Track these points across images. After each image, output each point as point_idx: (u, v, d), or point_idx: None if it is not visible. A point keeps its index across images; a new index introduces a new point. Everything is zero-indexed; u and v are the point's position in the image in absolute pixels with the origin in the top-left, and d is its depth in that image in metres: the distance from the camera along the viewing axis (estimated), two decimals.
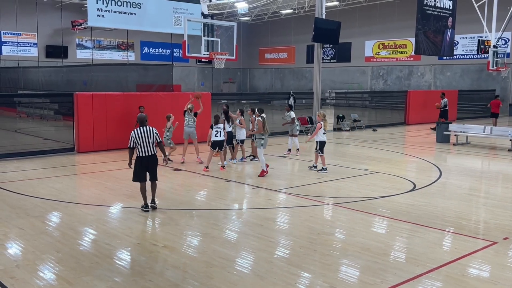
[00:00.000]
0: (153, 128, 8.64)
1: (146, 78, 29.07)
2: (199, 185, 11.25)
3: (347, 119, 23.58)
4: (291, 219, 8.52)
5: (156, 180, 8.84)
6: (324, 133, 12.51)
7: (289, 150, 15.16)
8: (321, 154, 12.51)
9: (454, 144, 18.11)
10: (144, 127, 8.54)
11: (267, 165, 12.07)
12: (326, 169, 12.47)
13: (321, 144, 12.52)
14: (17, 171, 12.35)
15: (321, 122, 12.46)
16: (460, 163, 14.69)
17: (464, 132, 18.55)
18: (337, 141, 19.37)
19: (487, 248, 6.93)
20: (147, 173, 8.67)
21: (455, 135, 18.49)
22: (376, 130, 23.17)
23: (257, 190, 10.52)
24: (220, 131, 12.46)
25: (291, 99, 22.99)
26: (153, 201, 8.76)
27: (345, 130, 22.70)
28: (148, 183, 8.75)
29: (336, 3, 38.82)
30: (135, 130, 8.55)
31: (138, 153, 8.58)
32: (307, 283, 5.80)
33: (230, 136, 13.26)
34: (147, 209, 8.60)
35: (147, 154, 8.52)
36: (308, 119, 21.64)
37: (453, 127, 18.83)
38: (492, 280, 5.89)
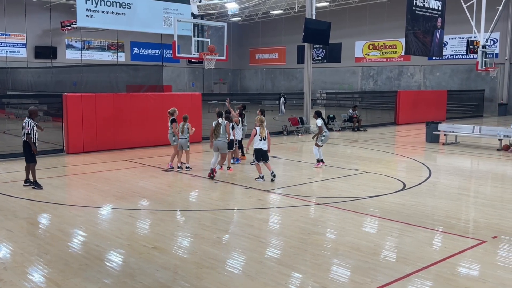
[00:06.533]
0: (27, 120, 10.23)
1: (136, 79, 28.94)
2: (189, 185, 11.21)
3: (338, 119, 23.64)
4: (282, 219, 8.52)
5: (28, 163, 10.42)
6: (260, 140, 11.23)
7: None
8: (255, 162, 11.46)
9: (443, 144, 18.22)
10: (26, 119, 10.29)
11: (214, 170, 11.60)
12: (262, 177, 11.18)
13: (257, 153, 11.30)
14: (5, 173, 12.23)
15: (257, 128, 11.26)
16: (449, 163, 14.78)
17: (453, 131, 18.67)
18: (328, 141, 19.36)
19: (477, 247, 6.98)
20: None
21: (445, 134, 18.62)
22: (366, 130, 23.25)
23: (248, 190, 10.50)
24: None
25: (282, 99, 23.05)
26: (25, 180, 10.56)
27: (336, 130, 22.75)
28: None
29: (326, 3, 38.92)
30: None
31: None
32: (298, 283, 5.80)
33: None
34: (26, 184, 10.53)
35: (22, 140, 10.39)
36: (299, 120, 21.70)
37: (442, 127, 18.96)
38: (481, 278, 5.93)
